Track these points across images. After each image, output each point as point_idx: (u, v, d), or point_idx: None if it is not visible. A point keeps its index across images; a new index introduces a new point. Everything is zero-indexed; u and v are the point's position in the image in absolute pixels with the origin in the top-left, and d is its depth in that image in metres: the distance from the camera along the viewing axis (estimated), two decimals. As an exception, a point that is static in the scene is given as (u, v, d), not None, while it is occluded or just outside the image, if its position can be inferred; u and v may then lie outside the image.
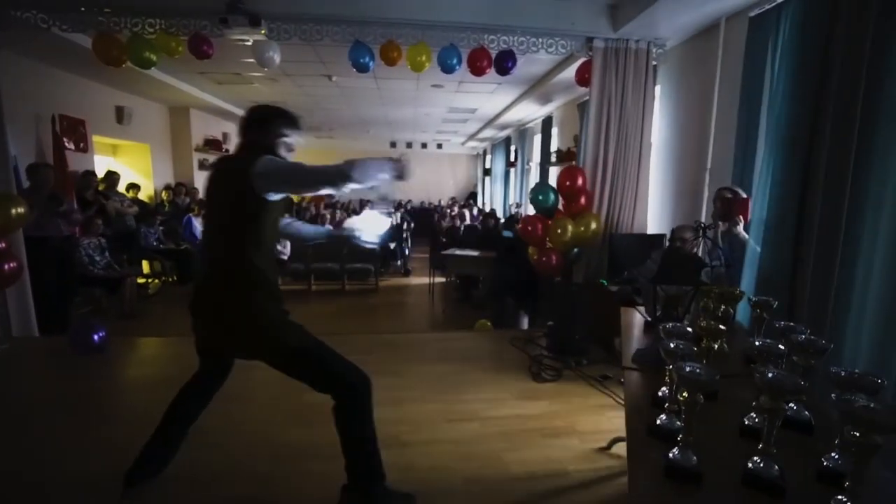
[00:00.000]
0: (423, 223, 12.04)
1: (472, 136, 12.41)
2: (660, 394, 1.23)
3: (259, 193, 1.63)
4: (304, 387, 1.74)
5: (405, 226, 9.67)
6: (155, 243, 6.59)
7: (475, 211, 10.89)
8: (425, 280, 7.43)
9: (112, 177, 6.20)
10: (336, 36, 3.67)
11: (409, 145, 14.49)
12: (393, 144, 14.54)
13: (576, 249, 3.94)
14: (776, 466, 0.91)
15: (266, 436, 2.45)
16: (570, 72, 4.74)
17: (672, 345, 1.11)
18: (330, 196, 7.19)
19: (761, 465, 0.92)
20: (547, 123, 7.64)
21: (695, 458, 0.95)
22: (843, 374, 1.01)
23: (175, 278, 6.69)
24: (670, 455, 0.96)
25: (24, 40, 4.24)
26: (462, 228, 8.07)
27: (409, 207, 13.98)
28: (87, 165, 5.90)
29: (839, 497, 0.82)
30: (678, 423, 1.05)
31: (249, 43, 3.81)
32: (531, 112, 8.05)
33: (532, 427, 2.63)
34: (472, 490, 2.09)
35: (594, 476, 2.20)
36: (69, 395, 2.89)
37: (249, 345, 1.73)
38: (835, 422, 1.00)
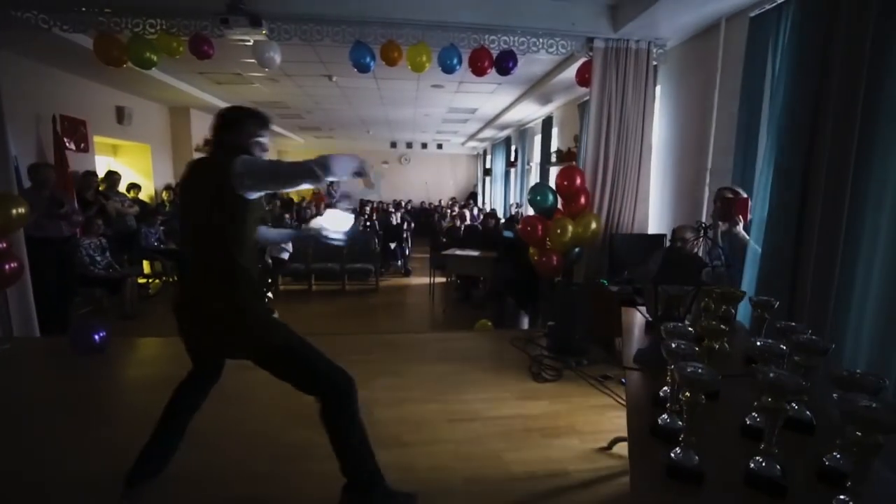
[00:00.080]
0: (423, 223, 12.06)
1: (472, 137, 12.42)
2: (661, 394, 1.23)
3: (239, 193, 1.64)
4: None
5: (405, 226, 9.67)
6: (155, 243, 6.59)
7: (475, 211, 10.88)
8: (425, 280, 7.44)
9: (112, 177, 6.22)
10: (336, 36, 3.67)
11: (409, 145, 14.52)
12: (393, 144, 14.56)
13: (576, 249, 3.95)
14: (778, 466, 0.91)
15: (266, 436, 2.45)
16: (570, 72, 4.75)
17: (674, 345, 1.11)
18: (330, 196, 7.16)
19: (763, 464, 0.91)
20: (547, 123, 7.64)
21: (696, 457, 0.95)
22: (844, 373, 1.01)
23: (175, 278, 6.69)
24: (672, 455, 0.96)
25: (24, 40, 4.25)
26: (462, 228, 8.06)
27: (409, 207, 13.97)
28: (88, 166, 5.91)
29: (841, 497, 0.82)
30: (680, 423, 1.04)
31: (250, 43, 3.81)
32: (531, 112, 8.05)
33: (532, 427, 2.63)
34: (473, 490, 2.09)
35: (594, 476, 2.20)
36: (69, 395, 2.90)
37: (236, 343, 1.74)
38: (836, 421, 1.00)
